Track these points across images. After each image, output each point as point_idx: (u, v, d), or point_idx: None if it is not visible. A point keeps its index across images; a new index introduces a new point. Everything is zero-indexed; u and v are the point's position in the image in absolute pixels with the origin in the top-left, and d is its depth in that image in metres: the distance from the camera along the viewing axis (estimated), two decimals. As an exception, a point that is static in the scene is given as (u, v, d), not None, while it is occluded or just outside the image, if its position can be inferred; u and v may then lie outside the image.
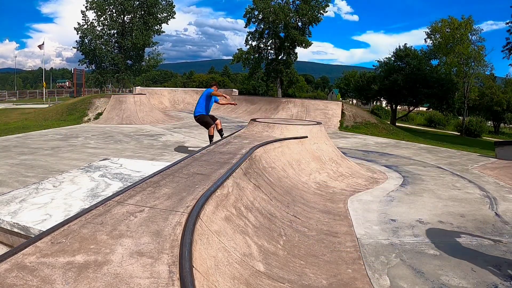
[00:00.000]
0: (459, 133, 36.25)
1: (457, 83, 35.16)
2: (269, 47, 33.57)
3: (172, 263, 1.86)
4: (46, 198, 4.00)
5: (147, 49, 32.23)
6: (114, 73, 31.47)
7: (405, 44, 48.39)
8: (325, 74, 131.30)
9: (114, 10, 30.21)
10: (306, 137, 6.40)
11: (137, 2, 30.33)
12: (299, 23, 32.00)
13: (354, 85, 45.61)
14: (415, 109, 42.85)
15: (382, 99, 45.44)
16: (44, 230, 2.55)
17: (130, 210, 2.54)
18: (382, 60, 37.89)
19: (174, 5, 31.89)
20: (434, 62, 36.92)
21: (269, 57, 33.86)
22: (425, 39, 36.55)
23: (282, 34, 32.47)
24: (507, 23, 31.58)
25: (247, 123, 7.63)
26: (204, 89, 9.17)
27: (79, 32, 29.38)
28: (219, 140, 6.15)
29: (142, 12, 30.81)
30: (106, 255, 1.89)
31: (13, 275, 1.67)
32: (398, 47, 36.68)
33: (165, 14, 31.54)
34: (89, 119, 15.34)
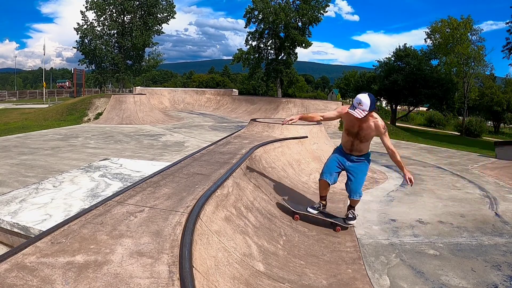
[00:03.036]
0: (459, 133, 36.23)
1: (457, 83, 35.12)
2: (269, 47, 33.55)
3: (172, 263, 1.86)
4: (46, 198, 4.00)
5: (147, 49, 32.23)
6: (114, 73, 31.44)
7: (405, 44, 48.37)
8: (325, 74, 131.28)
9: (114, 10, 30.19)
10: (306, 137, 6.40)
11: (137, 2, 30.29)
12: (299, 23, 31.99)
13: (354, 85, 45.61)
14: (415, 109, 42.84)
15: (382, 99, 45.42)
16: (44, 230, 2.55)
17: (130, 210, 2.54)
18: (382, 60, 37.89)
19: (175, 5, 31.88)
20: (434, 62, 36.91)
21: (269, 57, 33.84)
22: (425, 39, 36.54)
23: (282, 34, 32.45)
24: (507, 23, 31.53)
25: (247, 123, 7.63)
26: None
27: (79, 32, 29.35)
28: (219, 140, 6.15)
29: (142, 12, 30.78)
30: (106, 255, 1.89)
31: (13, 275, 1.66)
32: (398, 47, 36.66)
33: (165, 14, 31.52)
34: (89, 119, 15.33)
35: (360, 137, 3.56)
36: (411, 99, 34.87)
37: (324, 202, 3.97)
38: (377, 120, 3.46)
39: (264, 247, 2.93)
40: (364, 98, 3.32)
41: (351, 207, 3.92)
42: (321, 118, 3.73)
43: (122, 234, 2.15)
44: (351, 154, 3.72)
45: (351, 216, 3.86)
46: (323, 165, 6.14)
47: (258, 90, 50.60)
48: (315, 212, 3.86)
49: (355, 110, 3.33)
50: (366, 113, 3.33)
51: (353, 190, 3.73)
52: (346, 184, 3.82)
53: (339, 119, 3.82)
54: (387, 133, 3.50)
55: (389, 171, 7.08)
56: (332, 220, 3.83)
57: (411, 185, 3.46)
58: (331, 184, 3.80)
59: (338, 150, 3.88)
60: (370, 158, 3.82)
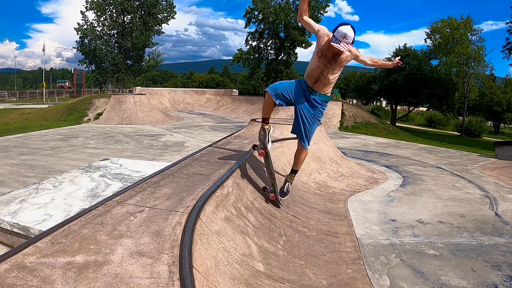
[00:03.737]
0: (459, 133, 36.24)
1: (457, 83, 35.15)
2: (269, 47, 33.56)
3: (172, 263, 1.86)
4: (46, 198, 4.00)
5: (147, 50, 32.25)
6: (114, 73, 31.46)
7: (405, 44, 48.35)
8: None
9: (114, 11, 30.20)
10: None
11: (137, 3, 30.30)
12: (299, 24, 31.97)
13: (354, 85, 45.64)
14: (415, 109, 42.87)
15: (382, 99, 45.43)
16: (44, 230, 2.55)
17: (130, 210, 2.54)
18: (382, 60, 37.89)
19: (175, 6, 31.90)
20: (434, 62, 36.93)
21: (269, 57, 33.86)
22: (425, 39, 36.56)
23: (282, 34, 32.48)
24: (507, 23, 31.60)
25: (247, 123, 7.63)
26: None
27: (79, 32, 29.37)
28: (219, 140, 6.15)
29: (142, 13, 30.80)
30: (106, 255, 1.89)
31: (13, 275, 1.67)
32: (398, 47, 36.74)
33: (165, 14, 31.53)
34: (89, 119, 15.34)
35: (335, 62, 3.30)
36: (411, 99, 34.92)
37: (266, 127, 3.67)
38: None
39: (264, 247, 2.93)
40: (348, 31, 3.15)
41: (294, 172, 3.86)
42: (306, 16, 3.33)
43: (122, 234, 2.15)
44: (312, 88, 3.43)
45: (285, 191, 3.78)
46: (323, 165, 6.18)
47: (258, 90, 50.50)
48: (271, 146, 3.73)
49: (340, 44, 3.13)
50: (350, 45, 3.21)
51: (304, 134, 3.57)
52: (296, 127, 3.59)
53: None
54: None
55: (389, 171, 7.08)
56: (269, 185, 3.73)
57: (400, 62, 3.47)
58: (274, 102, 3.44)
59: (297, 82, 3.53)
60: (326, 105, 3.58)
